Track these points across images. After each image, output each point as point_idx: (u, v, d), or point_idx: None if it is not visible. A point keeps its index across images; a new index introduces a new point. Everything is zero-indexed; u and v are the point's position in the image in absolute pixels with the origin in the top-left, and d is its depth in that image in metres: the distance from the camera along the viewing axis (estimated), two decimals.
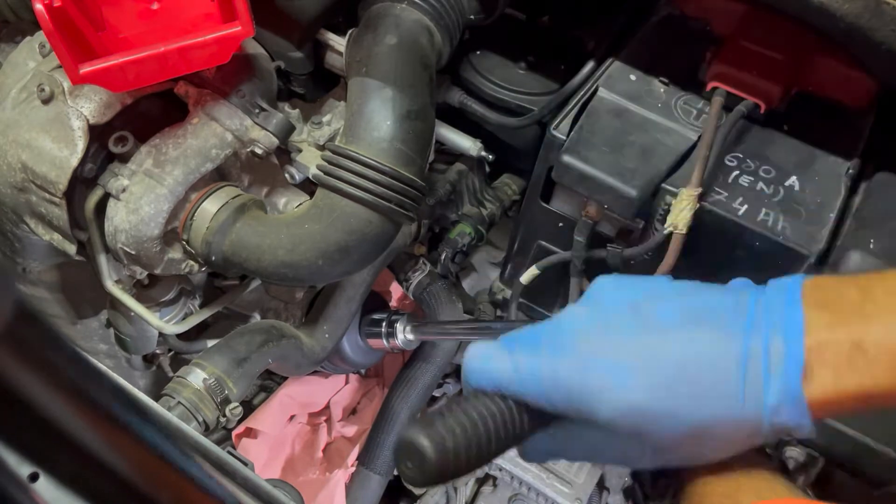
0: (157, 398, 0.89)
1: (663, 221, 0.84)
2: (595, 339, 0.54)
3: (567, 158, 0.89)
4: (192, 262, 0.91)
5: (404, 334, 1.20)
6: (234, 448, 0.88)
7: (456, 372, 1.64)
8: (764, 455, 0.64)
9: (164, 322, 0.99)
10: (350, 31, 0.95)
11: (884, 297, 0.49)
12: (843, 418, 0.78)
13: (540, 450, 0.59)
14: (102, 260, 0.93)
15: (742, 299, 0.53)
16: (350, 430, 1.59)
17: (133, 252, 0.85)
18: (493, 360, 0.56)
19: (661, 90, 0.95)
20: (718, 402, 0.50)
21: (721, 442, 0.52)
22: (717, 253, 0.87)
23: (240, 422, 1.39)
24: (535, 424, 0.57)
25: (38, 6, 0.71)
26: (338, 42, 0.97)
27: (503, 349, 0.56)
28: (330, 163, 0.85)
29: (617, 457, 0.57)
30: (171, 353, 1.18)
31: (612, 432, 0.53)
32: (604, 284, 0.59)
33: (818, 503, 0.57)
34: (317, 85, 1.06)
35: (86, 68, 0.73)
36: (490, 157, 1.11)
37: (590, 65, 1.00)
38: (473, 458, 0.53)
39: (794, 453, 0.84)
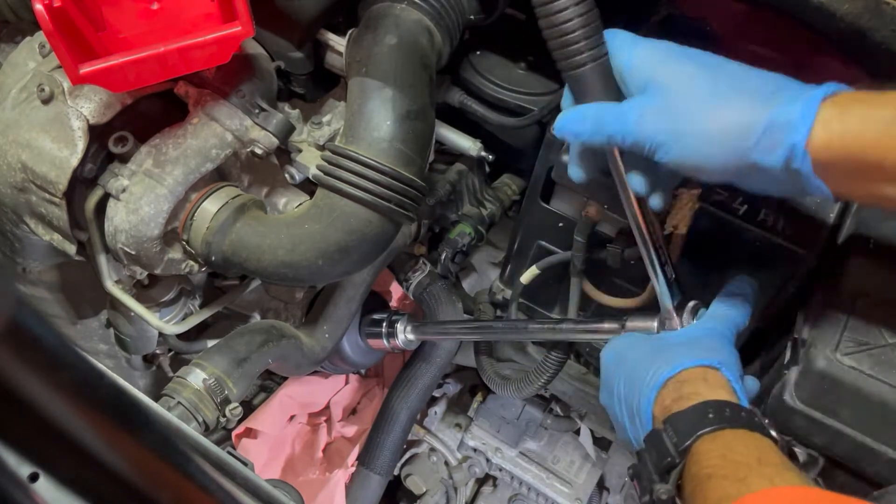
0: (157, 398, 0.89)
1: (663, 222, 0.84)
2: (660, 106, 0.65)
3: (567, 158, 0.88)
4: (192, 262, 0.91)
5: (405, 334, 1.20)
6: (234, 448, 0.88)
7: (456, 372, 1.64)
8: (775, 444, 0.64)
9: (164, 322, 0.99)
10: (350, 31, 0.95)
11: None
12: (842, 414, 0.78)
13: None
14: (102, 260, 0.93)
15: (783, 93, 0.63)
16: (350, 430, 1.59)
17: (133, 252, 0.85)
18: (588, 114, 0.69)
19: None
20: (745, 158, 0.62)
21: (754, 179, 0.66)
22: (717, 253, 0.87)
23: (240, 422, 1.39)
24: None
25: (38, 6, 0.71)
26: (338, 42, 0.97)
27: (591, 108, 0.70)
28: (330, 163, 0.85)
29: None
30: (171, 353, 1.18)
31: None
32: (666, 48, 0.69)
33: (826, 492, 0.57)
34: (317, 85, 1.06)
35: (86, 68, 0.73)
36: (490, 157, 1.11)
37: None
38: None
39: (794, 453, 0.84)
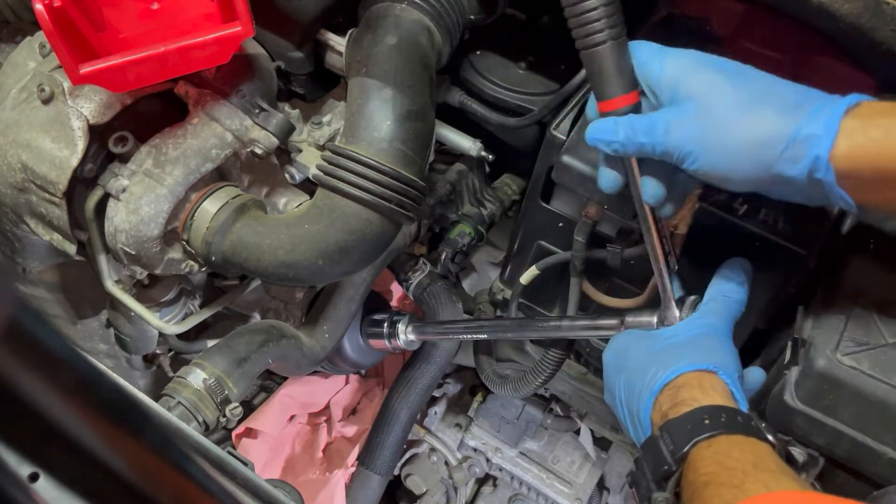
0: (157, 398, 0.89)
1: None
2: (688, 117, 0.67)
3: (567, 158, 0.88)
4: (192, 262, 0.91)
5: (406, 335, 1.20)
6: (234, 448, 0.88)
7: (456, 372, 1.64)
8: (772, 448, 0.64)
9: (164, 322, 0.99)
10: (350, 31, 0.95)
11: None
12: (842, 414, 0.78)
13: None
14: (102, 260, 0.93)
15: (807, 105, 0.64)
16: (350, 430, 1.59)
17: (133, 252, 0.85)
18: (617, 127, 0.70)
19: None
20: (770, 169, 0.64)
21: (778, 188, 0.67)
22: (717, 253, 0.87)
23: (240, 422, 1.39)
24: None
25: (38, 6, 0.71)
26: (338, 42, 0.97)
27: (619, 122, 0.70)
28: (330, 163, 0.85)
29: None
30: (171, 353, 1.18)
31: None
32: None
33: (823, 495, 0.57)
34: (317, 85, 1.06)
35: (86, 68, 0.73)
36: (490, 157, 1.11)
37: None
38: None
39: (794, 453, 0.84)
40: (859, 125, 0.61)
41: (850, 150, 0.61)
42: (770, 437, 0.65)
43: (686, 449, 0.63)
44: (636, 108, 0.71)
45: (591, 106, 0.75)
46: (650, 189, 0.74)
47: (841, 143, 0.61)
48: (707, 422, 0.64)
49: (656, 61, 0.69)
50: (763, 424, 0.66)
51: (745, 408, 0.68)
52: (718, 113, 0.65)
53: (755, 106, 0.65)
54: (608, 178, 0.76)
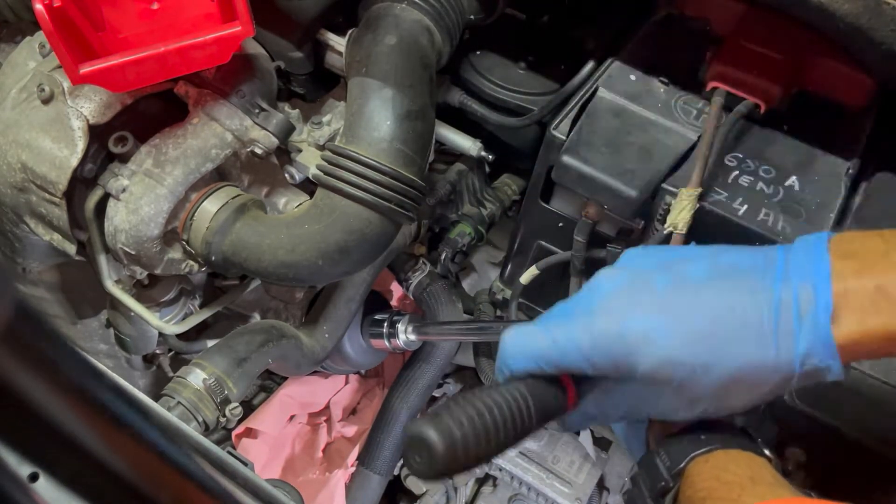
0: (157, 398, 0.89)
1: (663, 221, 0.84)
2: (628, 297, 0.56)
3: (567, 159, 0.89)
4: (192, 262, 0.91)
5: (406, 334, 1.20)
6: (234, 448, 0.88)
7: (456, 372, 1.64)
8: (767, 460, 0.64)
9: (164, 322, 0.99)
10: (350, 31, 0.95)
11: None
12: (842, 414, 0.78)
13: (581, 416, 0.62)
14: (102, 260, 0.93)
15: (770, 254, 0.55)
16: (350, 430, 1.59)
17: (133, 252, 0.85)
18: (530, 340, 0.58)
19: (661, 90, 0.95)
20: (752, 350, 0.53)
21: (755, 389, 0.55)
22: None
23: (240, 422, 1.39)
24: (548, 410, 0.58)
25: (38, 6, 0.71)
26: (338, 42, 0.97)
27: (538, 327, 0.59)
28: (330, 163, 0.85)
29: (654, 411, 0.60)
30: (171, 353, 1.18)
31: (650, 387, 0.56)
32: (632, 252, 0.61)
33: (819, 501, 0.57)
34: (317, 85, 1.06)
35: (86, 68, 0.73)
36: (490, 157, 1.11)
37: (590, 65, 1.00)
38: (483, 450, 0.53)
39: (794, 453, 0.84)
40: (862, 307, 0.50)
41: (859, 337, 0.51)
42: (766, 452, 0.65)
43: (683, 464, 0.63)
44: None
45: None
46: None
47: (846, 331, 0.51)
48: (703, 437, 0.64)
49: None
50: (759, 439, 0.66)
51: (741, 423, 0.68)
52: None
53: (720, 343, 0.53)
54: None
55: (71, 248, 0.90)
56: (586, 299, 0.58)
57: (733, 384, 0.54)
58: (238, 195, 0.88)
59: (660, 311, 0.54)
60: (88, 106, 0.82)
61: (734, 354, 0.53)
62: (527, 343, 0.58)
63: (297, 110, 0.96)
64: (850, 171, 0.88)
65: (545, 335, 0.57)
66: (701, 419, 0.63)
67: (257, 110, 0.87)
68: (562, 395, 0.60)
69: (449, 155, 1.23)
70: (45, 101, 0.83)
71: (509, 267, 1.15)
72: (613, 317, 0.55)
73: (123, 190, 0.84)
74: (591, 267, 0.98)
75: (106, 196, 0.86)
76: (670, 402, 0.58)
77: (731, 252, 0.57)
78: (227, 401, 0.92)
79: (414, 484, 1.59)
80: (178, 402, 0.88)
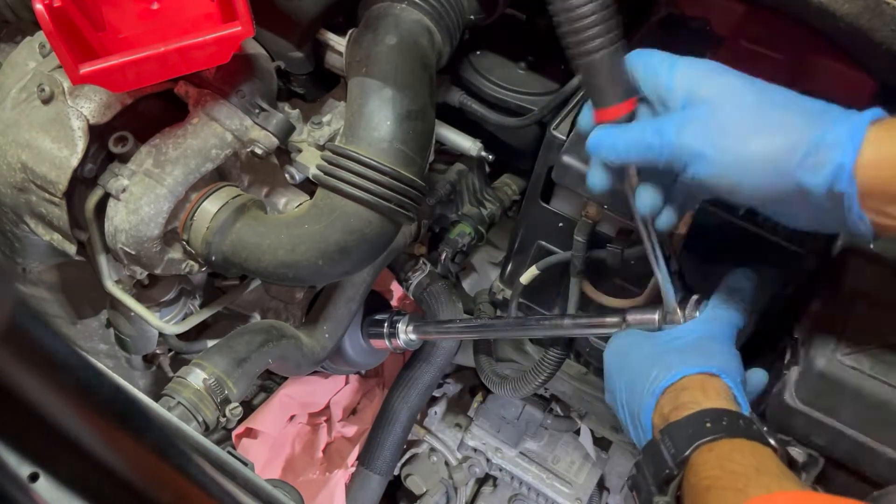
0: (157, 398, 0.89)
1: None
2: (704, 118, 0.63)
3: (567, 158, 0.89)
4: (192, 262, 0.91)
5: (406, 334, 1.20)
6: (234, 448, 0.88)
7: (456, 372, 1.64)
8: (774, 452, 0.64)
9: (164, 322, 0.99)
10: (350, 31, 0.95)
11: None
12: (842, 414, 0.78)
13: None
14: (102, 260, 0.93)
15: (829, 114, 0.61)
16: (350, 430, 1.59)
17: (133, 252, 0.85)
18: (619, 131, 0.68)
19: None
20: (787, 177, 0.60)
21: (786, 206, 0.63)
22: (717, 252, 0.87)
23: (240, 422, 1.39)
24: None
25: (38, 6, 0.71)
26: (338, 42, 0.97)
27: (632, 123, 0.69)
28: (330, 163, 0.85)
29: (706, 194, 0.70)
30: (171, 353, 1.18)
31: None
32: (727, 76, 0.66)
33: (824, 495, 0.57)
34: (317, 85, 1.06)
35: (86, 68, 0.73)
36: (490, 157, 1.11)
37: None
38: None
39: (794, 453, 0.84)
40: (887, 136, 0.57)
41: (878, 160, 0.57)
42: (772, 441, 0.65)
43: (688, 453, 0.63)
44: (632, 117, 0.69)
45: (585, 115, 0.72)
46: (647, 198, 0.71)
47: (867, 152, 0.57)
48: (709, 425, 0.64)
49: (667, 68, 0.66)
50: (765, 428, 0.66)
51: (747, 411, 0.68)
52: (736, 115, 0.62)
53: (775, 110, 0.62)
54: (598, 178, 0.72)
55: (71, 248, 0.90)
56: (679, 112, 0.66)
57: (765, 200, 0.63)
58: (238, 195, 0.88)
59: (718, 134, 0.62)
60: (88, 106, 0.82)
61: (773, 181, 0.61)
62: (617, 132, 0.68)
63: (297, 110, 0.96)
64: None
65: (636, 129, 0.67)
66: (713, 408, 0.66)
67: (257, 110, 0.87)
68: None
69: (449, 155, 1.23)
70: (46, 101, 0.83)
71: (509, 267, 1.15)
72: (683, 131, 0.63)
73: (123, 190, 0.84)
74: (590, 267, 0.98)
75: (106, 196, 0.86)
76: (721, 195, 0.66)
77: (801, 100, 0.63)
78: (227, 401, 0.92)
79: (414, 484, 1.60)
80: (178, 402, 0.88)
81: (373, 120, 0.84)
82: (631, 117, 0.69)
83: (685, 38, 0.99)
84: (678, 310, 0.80)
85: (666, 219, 0.73)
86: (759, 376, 0.77)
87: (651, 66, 0.67)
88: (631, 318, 0.85)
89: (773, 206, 0.65)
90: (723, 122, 0.62)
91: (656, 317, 0.82)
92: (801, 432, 0.82)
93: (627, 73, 0.68)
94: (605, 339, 0.86)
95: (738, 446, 0.63)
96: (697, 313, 0.79)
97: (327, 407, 1.59)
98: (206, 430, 0.90)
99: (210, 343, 1.07)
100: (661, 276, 0.79)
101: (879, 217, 0.59)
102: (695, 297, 0.80)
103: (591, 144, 0.69)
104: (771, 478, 0.59)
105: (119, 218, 0.84)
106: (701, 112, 0.63)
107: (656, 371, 0.72)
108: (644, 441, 0.70)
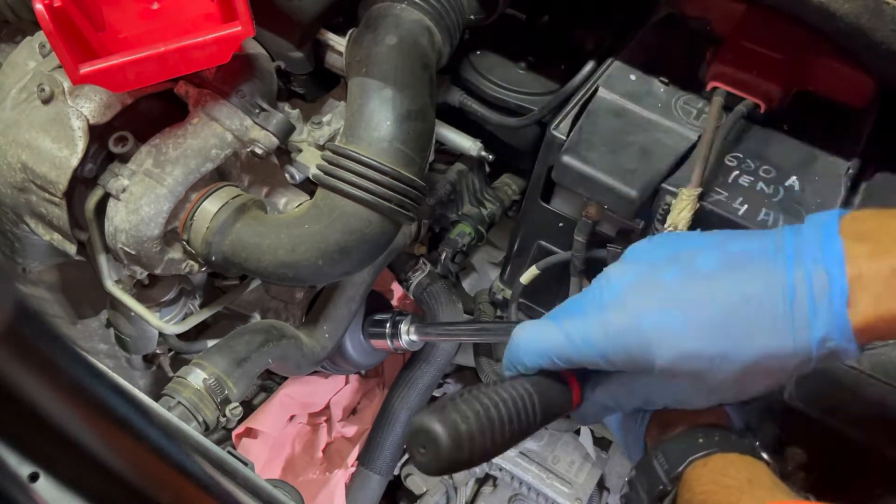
0: (157, 398, 0.89)
1: (663, 221, 0.84)
2: (641, 291, 0.56)
3: (567, 159, 0.89)
4: (192, 262, 0.91)
5: (408, 335, 1.20)
6: (234, 448, 0.88)
7: (456, 372, 1.64)
8: (766, 463, 0.64)
9: (164, 322, 0.99)
10: (350, 31, 0.95)
11: None
12: (842, 414, 0.78)
13: (596, 407, 0.62)
14: (102, 260, 0.93)
15: (779, 238, 0.55)
16: (350, 430, 1.59)
17: (133, 252, 0.85)
18: (543, 335, 0.58)
19: (661, 90, 0.95)
20: (769, 338, 0.53)
21: (772, 375, 0.55)
22: None
23: (240, 422, 1.39)
24: (552, 407, 0.57)
25: (38, 6, 0.71)
26: (338, 42, 0.97)
27: (551, 322, 0.58)
28: (330, 163, 0.85)
29: (671, 400, 0.61)
30: (171, 353, 1.18)
31: (667, 379, 0.56)
32: (638, 245, 0.61)
33: None
34: (317, 85, 1.06)
35: (86, 68, 0.73)
36: (490, 157, 1.11)
37: (590, 65, 1.00)
38: (487, 446, 0.53)
39: (794, 453, 0.84)
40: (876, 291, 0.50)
41: (875, 317, 0.51)
42: (765, 455, 0.65)
43: (681, 468, 0.63)
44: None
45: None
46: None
47: (862, 314, 0.51)
48: (701, 440, 0.63)
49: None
50: (756, 443, 0.66)
51: (740, 425, 0.68)
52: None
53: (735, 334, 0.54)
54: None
55: (71, 248, 0.90)
56: (597, 294, 0.58)
57: (751, 372, 0.54)
58: (238, 195, 0.88)
59: (674, 304, 0.54)
60: (88, 106, 0.83)
61: (751, 343, 0.53)
62: (540, 339, 0.58)
63: (297, 110, 0.96)
64: (850, 171, 0.88)
65: (559, 331, 0.57)
66: (705, 424, 0.63)
67: (257, 110, 0.87)
68: (566, 392, 0.60)
69: (449, 155, 1.23)
70: (46, 101, 0.83)
71: (509, 267, 1.15)
72: (627, 311, 0.55)
73: (123, 190, 0.84)
74: (591, 267, 0.98)
75: (106, 196, 0.86)
76: (687, 391, 0.58)
77: (739, 239, 0.57)
78: (227, 401, 0.92)
79: (414, 484, 1.59)
80: (179, 402, 0.88)
81: (373, 120, 0.84)
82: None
83: (685, 38, 0.99)
84: None
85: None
86: None
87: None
88: None
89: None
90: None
91: None
92: (801, 432, 0.82)
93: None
94: None
95: (731, 460, 0.62)
96: None
97: (327, 407, 1.59)
98: (206, 430, 0.90)
99: (210, 343, 1.07)
100: None
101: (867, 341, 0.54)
102: None
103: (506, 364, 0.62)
104: (764, 490, 0.59)
105: (119, 218, 0.84)
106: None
107: None
108: (635, 458, 0.69)
